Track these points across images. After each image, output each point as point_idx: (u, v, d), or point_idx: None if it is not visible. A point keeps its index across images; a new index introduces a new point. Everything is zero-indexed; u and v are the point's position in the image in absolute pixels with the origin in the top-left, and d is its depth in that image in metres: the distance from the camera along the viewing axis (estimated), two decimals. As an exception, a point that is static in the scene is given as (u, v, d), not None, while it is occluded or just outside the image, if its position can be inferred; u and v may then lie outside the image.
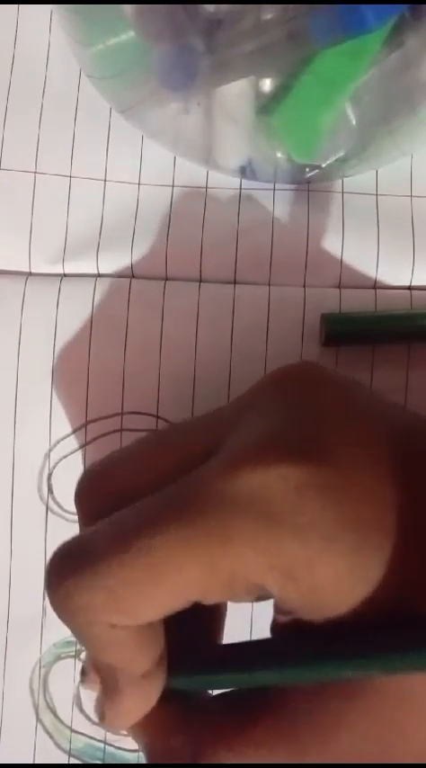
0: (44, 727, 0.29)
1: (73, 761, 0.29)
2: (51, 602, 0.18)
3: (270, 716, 0.19)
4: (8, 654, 0.29)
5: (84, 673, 0.19)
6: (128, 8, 0.24)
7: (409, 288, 0.30)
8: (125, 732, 0.23)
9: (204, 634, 0.22)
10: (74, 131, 0.30)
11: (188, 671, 0.19)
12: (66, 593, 0.18)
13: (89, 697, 0.29)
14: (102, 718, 0.19)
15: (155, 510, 0.18)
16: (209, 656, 0.20)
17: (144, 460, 0.21)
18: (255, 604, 0.20)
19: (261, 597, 0.18)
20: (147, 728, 0.20)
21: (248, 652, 0.19)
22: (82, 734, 0.29)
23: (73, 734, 0.29)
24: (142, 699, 0.19)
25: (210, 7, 0.23)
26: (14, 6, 0.31)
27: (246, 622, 0.28)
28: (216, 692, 0.20)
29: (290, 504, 0.17)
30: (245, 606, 0.19)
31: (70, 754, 0.29)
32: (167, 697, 0.19)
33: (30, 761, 0.29)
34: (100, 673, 0.19)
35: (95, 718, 0.19)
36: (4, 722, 0.29)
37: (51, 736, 0.29)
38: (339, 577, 0.17)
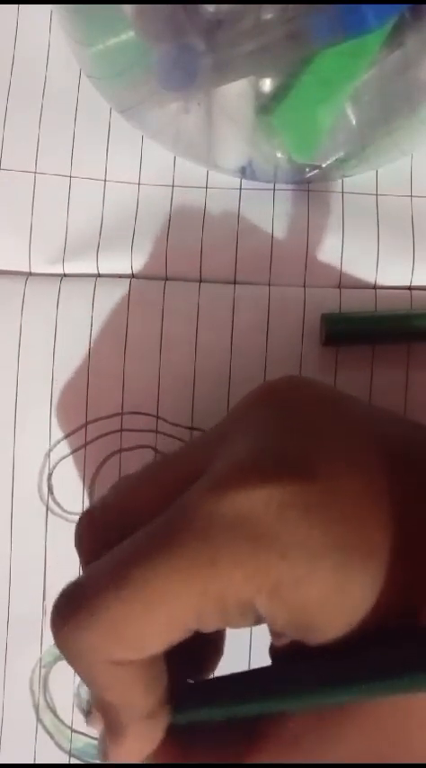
0: (44, 726, 0.29)
1: (73, 761, 0.29)
2: (58, 647, 0.18)
3: (270, 739, 0.19)
4: (8, 654, 0.29)
5: (88, 712, 0.20)
6: (128, 8, 0.24)
7: (409, 288, 0.30)
8: None
9: (200, 668, 0.22)
10: (74, 131, 0.30)
11: (189, 707, 0.20)
12: (68, 637, 0.18)
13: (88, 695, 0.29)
14: (105, 757, 0.19)
15: (146, 540, 0.18)
16: (209, 690, 0.20)
17: (137, 498, 0.21)
18: (254, 630, 0.20)
19: (259, 621, 0.18)
20: (151, 760, 0.20)
21: (248, 683, 0.19)
22: (82, 734, 0.29)
23: (73, 734, 0.29)
24: (145, 739, 0.19)
25: (210, 7, 0.23)
26: (14, 6, 0.31)
27: (245, 647, 0.28)
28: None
29: (275, 524, 0.17)
30: (244, 631, 0.19)
31: (70, 754, 0.29)
32: (168, 732, 0.19)
33: (30, 761, 0.29)
34: (103, 713, 0.19)
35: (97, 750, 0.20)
36: (4, 722, 0.29)
37: (51, 736, 0.29)
38: (326, 596, 0.17)
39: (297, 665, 0.19)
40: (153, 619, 0.17)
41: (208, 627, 0.18)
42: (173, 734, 0.19)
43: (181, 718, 0.19)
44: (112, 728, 0.19)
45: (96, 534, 0.21)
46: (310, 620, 0.18)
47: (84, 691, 0.19)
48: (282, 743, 0.18)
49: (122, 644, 0.18)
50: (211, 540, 0.17)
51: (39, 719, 0.29)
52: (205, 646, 0.22)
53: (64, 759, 0.29)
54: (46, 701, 0.29)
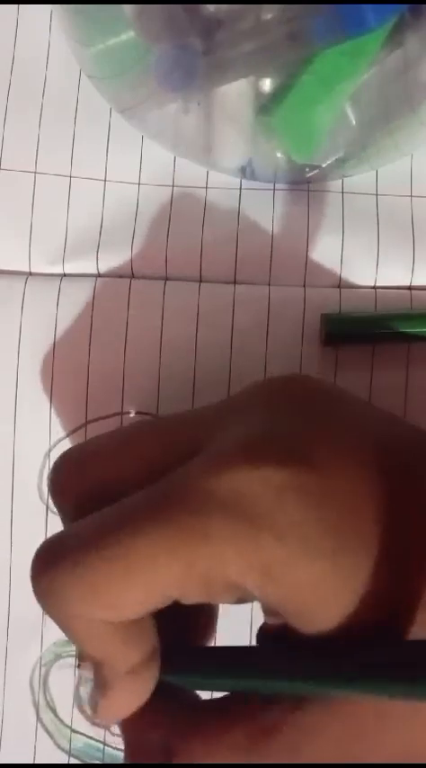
0: (44, 726, 0.29)
1: (73, 761, 0.29)
2: (35, 596, 0.18)
3: (250, 720, 0.19)
4: (8, 653, 0.29)
5: (81, 658, 0.20)
6: (128, 8, 0.24)
7: (409, 288, 0.30)
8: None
9: (196, 633, 0.22)
10: (74, 131, 0.30)
11: (178, 671, 0.20)
12: (47, 588, 0.18)
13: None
14: (94, 710, 0.19)
15: (138, 506, 0.18)
16: (199, 658, 0.20)
17: (126, 452, 0.21)
18: (256, 606, 0.20)
19: (242, 600, 0.19)
20: (129, 721, 0.20)
21: (239, 659, 0.19)
22: (82, 734, 0.29)
23: (73, 733, 0.29)
24: (132, 694, 0.19)
25: (210, 7, 0.23)
26: (14, 6, 0.31)
27: (246, 622, 0.28)
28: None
29: (272, 505, 0.18)
30: (245, 607, 0.19)
31: (70, 754, 0.29)
32: (159, 690, 0.19)
33: (30, 761, 0.29)
34: (88, 664, 0.19)
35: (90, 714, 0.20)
36: (4, 722, 0.29)
37: (51, 736, 0.29)
38: (318, 580, 0.17)
39: (288, 651, 0.19)
40: (133, 584, 0.17)
41: (189, 599, 0.18)
42: (163, 692, 0.19)
43: (166, 679, 0.19)
44: (98, 681, 0.19)
45: (74, 490, 0.21)
46: (301, 602, 0.18)
47: (84, 690, 0.19)
48: (258, 723, 0.18)
49: (100, 604, 0.18)
50: (206, 514, 0.17)
51: (38, 719, 0.29)
52: (197, 618, 0.22)
53: (63, 759, 0.29)
54: (46, 700, 0.29)
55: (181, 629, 0.21)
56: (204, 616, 0.23)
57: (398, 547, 0.18)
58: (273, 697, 0.19)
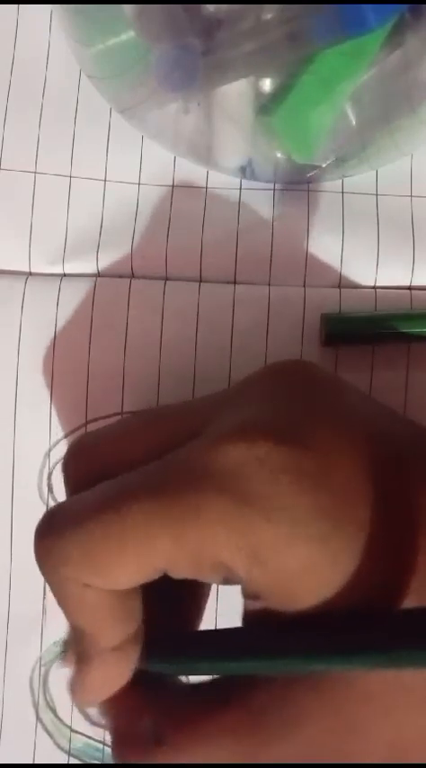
0: (44, 726, 0.29)
1: (73, 761, 0.29)
2: (36, 560, 0.19)
3: (237, 706, 0.19)
4: (8, 653, 0.29)
5: (64, 651, 0.20)
6: (128, 8, 0.24)
7: (409, 288, 0.30)
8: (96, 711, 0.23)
9: (183, 618, 0.22)
10: (74, 131, 0.30)
11: (162, 655, 0.20)
12: (46, 549, 0.18)
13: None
14: (72, 686, 0.20)
15: (136, 480, 0.19)
16: (183, 642, 0.20)
17: (130, 438, 0.21)
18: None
19: (228, 580, 0.19)
20: (115, 707, 0.20)
21: (223, 642, 0.20)
22: (82, 733, 0.29)
23: (73, 733, 0.29)
24: (111, 673, 0.19)
25: (210, 7, 0.23)
26: (14, 6, 0.31)
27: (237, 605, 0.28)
28: (191, 678, 0.21)
29: (265, 485, 0.18)
30: (236, 591, 0.19)
31: (70, 754, 0.29)
32: (141, 679, 0.19)
33: (30, 760, 0.29)
34: (74, 639, 0.19)
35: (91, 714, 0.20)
36: (4, 722, 0.30)
37: (51, 736, 0.29)
38: (306, 564, 0.17)
39: (273, 630, 0.19)
40: (126, 550, 0.18)
41: (179, 574, 0.18)
42: (146, 681, 0.20)
43: (153, 667, 0.20)
44: (80, 656, 0.19)
45: (82, 472, 0.21)
46: (288, 586, 0.18)
47: (57, 665, 0.20)
48: (246, 708, 0.19)
49: (91, 567, 0.18)
50: (200, 489, 0.18)
51: (38, 718, 0.29)
52: (185, 602, 0.22)
53: (63, 759, 0.29)
54: (46, 699, 0.29)
55: (168, 611, 0.21)
56: (193, 599, 0.23)
57: (387, 535, 0.18)
58: (260, 681, 0.19)
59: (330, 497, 0.18)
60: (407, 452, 0.20)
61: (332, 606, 0.18)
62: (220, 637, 0.20)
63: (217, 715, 0.19)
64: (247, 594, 0.19)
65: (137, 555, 0.18)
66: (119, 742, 0.20)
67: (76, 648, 0.19)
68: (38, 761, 0.29)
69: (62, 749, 0.29)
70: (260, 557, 0.17)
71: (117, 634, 0.19)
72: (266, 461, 0.18)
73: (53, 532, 0.18)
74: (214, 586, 0.24)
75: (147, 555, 0.18)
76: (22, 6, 0.31)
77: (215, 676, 0.20)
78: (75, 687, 0.20)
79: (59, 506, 0.19)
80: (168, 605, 0.21)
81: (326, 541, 0.17)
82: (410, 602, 0.18)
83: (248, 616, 0.19)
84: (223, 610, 0.25)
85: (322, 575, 0.18)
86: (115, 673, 0.19)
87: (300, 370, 0.22)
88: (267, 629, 0.19)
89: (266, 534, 0.17)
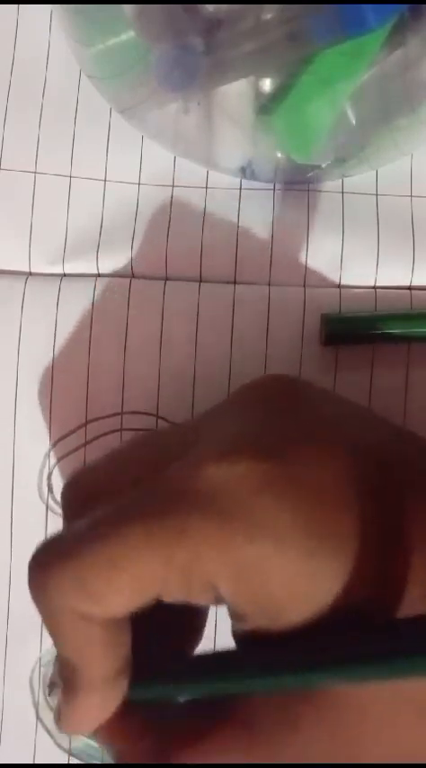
0: (44, 726, 0.29)
1: (73, 761, 0.29)
2: (30, 592, 0.19)
3: (236, 721, 0.19)
4: (8, 653, 0.29)
5: (52, 683, 0.20)
6: (128, 8, 0.24)
7: (409, 288, 0.30)
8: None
9: (182, 645, 0.22)
10: (74, 131, 0.30)
11: (148, 682, 0.20)
12: (40, 581, 0.19)
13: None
14: (57, 718, 0.20)
15: (124, 504, 0.19)
16: (171, 667, 0.20)
17: (122, 465, 0.22)
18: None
19: (221, 600, 0.19)
20: (113, 736, 0.20)
21: (209, 665, 0.20)
22: (82, 734, 0.29)
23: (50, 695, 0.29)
24: (98, 705, 0.19)
25: (210, 7, 0.23)
26: (14, 6, 0.31)
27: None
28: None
29: (248, 503, 0.18)
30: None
31: (70, 754, 0.29)
32: (128, 709, 0.20)
33: (30, 760, 0.29)
34: (62, 671, 0.19)
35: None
36: (4, 722, 0.29)
37: (51, 736, 0.29)
38: (291, 583, 0.17)
39: (256, 649, 0.19)
40: (117, 576, 0.18)
41: (172, 597, 0.18)
42: (131, 709, 0.20)
43: (138, 695, 0.20)
44: (67, 688, 0.19)
45: (79, 503, 0.21)
46: (274, 605, 0.18)
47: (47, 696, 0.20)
48: (242, 725, 0.19)
49: (86, 595, 0.18)
50: (184, 511, 0.18)
51: (38, 719, 0.29)
52: (185, 624, 0.22)
53: (63, 759, 0.29)
54: (46, 700, 0.29)
55: (166, 640, 0.21)
56: (190, 626, 0.23)
57: (376, 543, 0.18)
58: (253, 696, 0.19)
59: (311, 513, 0.18)
60: (392, 457, 0.20)
61: (324, 619, 0.18)
62: (207, 660, 0.20)
63: (218, 731, 0.19)
64: (233, 615, 0.19)
65: (130, 580, 0.18)
66: (125, 761, 0.20)
67: (64, 678, 0.19)
68: (38, 761, 0.29)
69: (62, 749, 0.29)
70: (243, 575, 0.18)
71: (106, 666, 0.19)
72: (247, 479, 0.18)
73: (46, 564, 0.19)
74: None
75: (140, 579, 0.18)
76: (22, 6, 0.31)
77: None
78: (62, 717, 0.20)
79: (52, 538, 0.19)
80: (166, 634, 0.21)
81: (309, 557, 0.17)
82: (404, 610, 0.18)
83: (238, 636, 0.19)
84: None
85: (307, 591, 0.18)
86: (102, 704, 0.19)
87: (280, 386, 0.22)
88: (255, 648, 0.19)
89: (249, 552, 0.17)
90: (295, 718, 0.18)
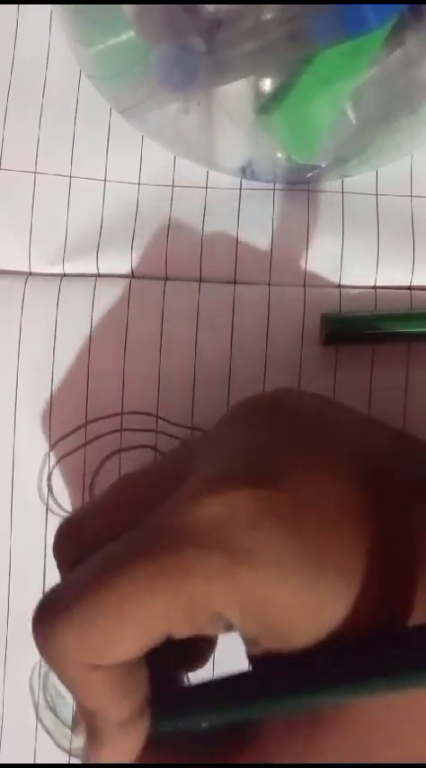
0: (44, 726, 0.29)
1: (73, 761, 0.29)
2: (37, 648, 0.19)
3: (253, 748, 0.19)
4: (8, 653, 0.29)
5: (76, 720, 0.20)
6: (128, 8, 0.24)
7: (409, 288, 0.30)
8: None
9: (189, 664, 0.23)
10: (74, 131, 0.30)
11: (168, 715, 0.20)
12: (44, 639, 0.18)
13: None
14: (86, 760, 0.20)
15: (121, 550, 0.19)
16: (191, 697, 0.20)
17: (115, 506, 0.21)
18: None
19: (231, 629, 0.19)
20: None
21: (225, 690, 0.19)
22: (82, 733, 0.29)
23: (73, 734, 0.29)
24: (123, 748, 0.19)
25: (210, 7, 0.23)
26: (14, 6, 0.31)
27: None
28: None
29: (246, 535, 0.17)
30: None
31: (70, 754, 0.29)
32: (153, 740, 0.20)
33: (30, 760, 0.29)
34: (83, 715, 0.19)
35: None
36: (4, 721, 0.29)
37: (51, 736, 0.29)
38: (296, 610, 0.17)
39: (272, 671, 0.18)
40: (123, 624, 0.18)
41: (181, 634, 0.18)
42: (157, 741, 0.20)
43: (162, 726, 0.20)
44: (91, 735, 0.19)
45: (71, 551, 0.21)
46: (282, 630, 0.18)
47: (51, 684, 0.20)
48: (262, 751, 0.19)
49: (95, 648, 0.18)
50: (182, 550, 0.18)
51: (38, 719, 0.29)
52: (196, 642, 0.22)
53: (63, 759, 0.29)
54: (46, 700, 0.29)
55: (176, 667, 0.21)
56: (198, 652, 0.23)
57: (383, 555, 0.18)
58: (263, 721, 0.19)
59: (312, 538, 0.18)
60: (392, 463, 0.20)
61: (334, 639, 0.17)
62: (223, 685, 0.20)
63: (235, 759, 0.19)
64: (245, 640, 0.19)
65: (134, 625, 0.18)
66: None
67: (87, 726, 0.19)
68: (38, 761, 0.29)
69: (62, 749, 0.29)
70: (250, 603, 0.17)
71: (125, 709, 0.19)
72: (243, 511, 0.18)
73: (48, 621, 0.18)
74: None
75: (145, 625, 0.18)
76: (22, 6, 0.31)
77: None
78: (91, 760, 0.20)
79: (52, 592, 0.19)
80: (174, 661, 0.21)
81: (313, 584, 0.17)
82: (413, 622, 0.18)
83: (252, 658, 0.19)
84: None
85: (313, 617, 0.17)
86: (127, 747, 0.19)
87: (271, 405, 0.22)
88: (269, 670, 0.19)
89: (252, 584, 0.17)
90: (307, 735, 0.18)
